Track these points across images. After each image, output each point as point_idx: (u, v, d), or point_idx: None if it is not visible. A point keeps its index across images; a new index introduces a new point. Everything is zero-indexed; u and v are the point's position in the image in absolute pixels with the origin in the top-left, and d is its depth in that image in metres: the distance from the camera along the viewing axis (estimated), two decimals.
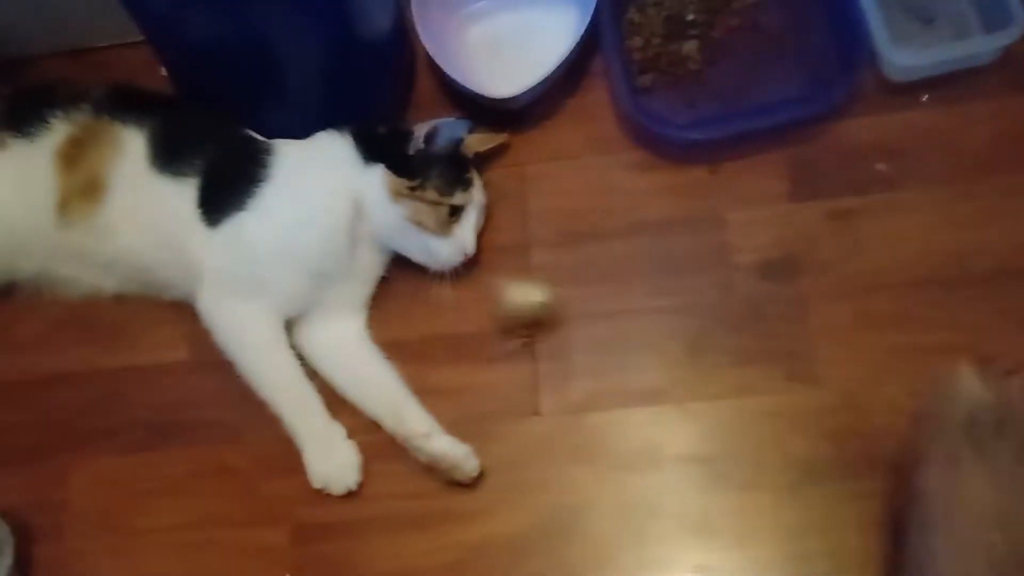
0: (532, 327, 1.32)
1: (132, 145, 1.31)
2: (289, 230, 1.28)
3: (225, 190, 1.28)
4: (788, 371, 1.26)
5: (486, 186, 1.38)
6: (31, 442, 1.36)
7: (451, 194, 1.30)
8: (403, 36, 1.46)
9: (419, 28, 1.43)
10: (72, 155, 1.31)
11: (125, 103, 1.35)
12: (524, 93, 1.37)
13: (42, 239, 1.33)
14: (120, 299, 1.39)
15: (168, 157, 1.30)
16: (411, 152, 1.30)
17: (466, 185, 1.32)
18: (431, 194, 1.29)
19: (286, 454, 1.28)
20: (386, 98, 1.45)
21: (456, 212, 1.31)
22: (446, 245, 1.31)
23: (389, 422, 1.28)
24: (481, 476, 1.25)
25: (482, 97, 1.39)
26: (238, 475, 1.31)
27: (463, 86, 1.40)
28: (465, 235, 1.32)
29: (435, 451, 1.24)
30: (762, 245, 1.33)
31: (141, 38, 1.47)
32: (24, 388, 1.39)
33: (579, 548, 1.21)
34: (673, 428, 1.26)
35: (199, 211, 1.28)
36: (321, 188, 1.30)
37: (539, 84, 1.38)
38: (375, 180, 1.30)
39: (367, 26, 1.35)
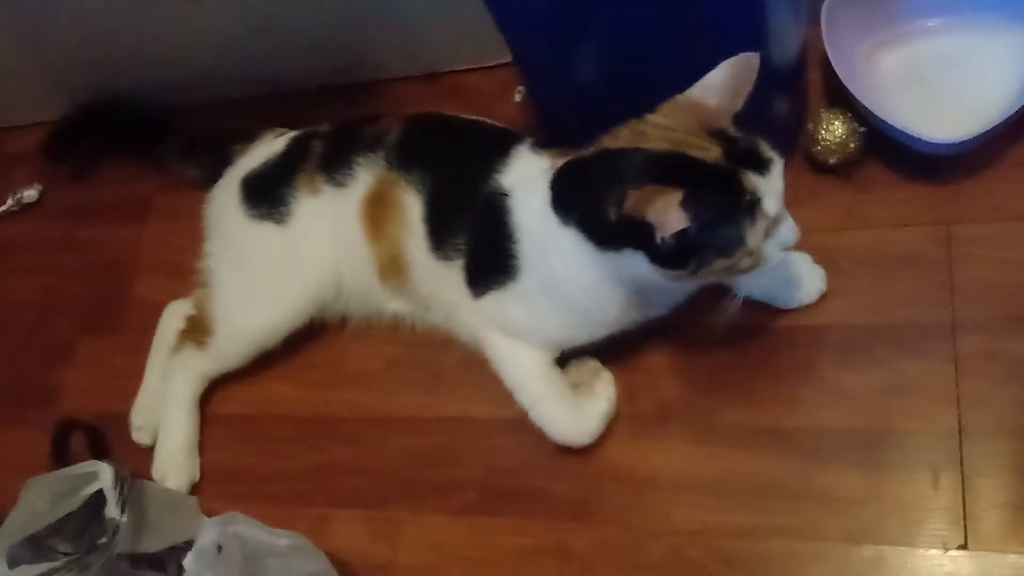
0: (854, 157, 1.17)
1: (414, 218, 1.20)
2: (549, 313, 1.13)
3: (484, 269, 1.16)
4: None
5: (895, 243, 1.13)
6: (367, 485, 1.26)
7: (739, 246, 0.96)
8: (803, 63, 1.23)
9: (830, 53, 1.19)
10: (375, 219, 1.23)
11: (411, 152, 1.23)
12: (968, 139, 1.10)
13: (369, 291, 1.28)
14: (455, 344, 1.26)
15: (440, 241, 1.19)
16: (663, 250, 0.97)
17: (750, 209, 0.96)
18: (719, 264, 0.97)
19: (632, 543, 1.11)
20: (776, 128, 1.22)
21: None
22: (764, 269, 1.02)
23: None
24: None
25: (906, 136, 1.13)
26: (576, 561, 1.14)
27: (885, 122, 1.14)
28: (783, 235, 1.01)
29: None
30: None
31: (497, 62, 1.42)
32: (358, 426, 1.30)
33: None
34: None
35: (467, 289, 1.18)
36: (575, 281, 1.09)
37: (989, 129, 1.09)
38: (633, 262, 1.01)
39: (774, 51, 1.12)
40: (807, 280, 1.17)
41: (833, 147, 1.19)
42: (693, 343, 1.20)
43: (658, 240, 0.95)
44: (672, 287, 1.07)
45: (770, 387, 1.15)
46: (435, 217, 1.19)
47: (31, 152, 1.62)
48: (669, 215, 0.92)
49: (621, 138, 1.00)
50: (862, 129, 1.19)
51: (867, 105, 1.15)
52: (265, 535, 1.11)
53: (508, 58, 1.40)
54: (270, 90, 1.55)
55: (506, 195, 1.13)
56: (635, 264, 1.00)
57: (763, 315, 1.18)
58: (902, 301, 1.14)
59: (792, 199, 1.20)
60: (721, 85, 0.97)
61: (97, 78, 1.55)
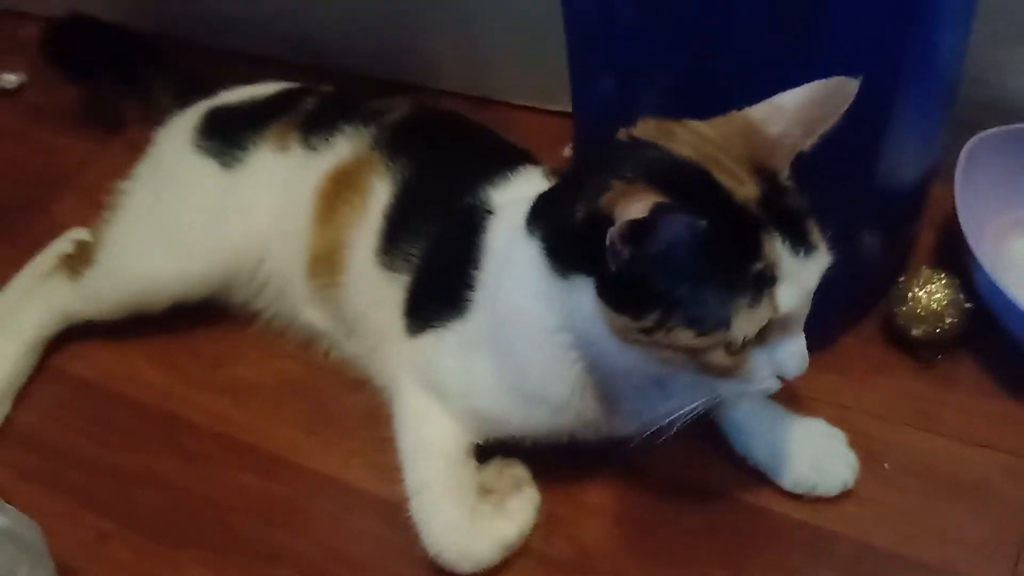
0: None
1: (375, 209, 0.94)
2: (487, 374, 0.84)
3: (431, 297, 0.89)
4: None
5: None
6: (173, 516, 0.94)
7: (719, 327, 0.67)
8: (918, 209, 0.95)
9: (959, 206, 0.91)
10: (331, 198, 0.98)
11: (406, 137, 0.98)
12: None
13: (290, 283, 1.01)
14: (365, 390, 0.97)
15: (391, 244, 0.92)
16: (612, 266, 0.68)
17: (757, 284, 0.67)
18: (683, 339, 0.68)
19: None
20: (862, 274, 0.93)
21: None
22: (743, 386, 0.73)
23: None
24: None
25: None
26: None
27: (1009, 302, 0.85)
28: (782, 354, 0.71)
29: None
30: None
31: (556, 108, 1.25)
32: (207, 442, 0.99)
33: None
34: None
35: (403, 320, 0.90)
36: (523, 321, 0.79)
37: None
38: (580, 297, 0.73)
39: (887, 173, 0.85)
40: (832, 465, 0.85)
41: (923, 315, 0.89)
42: (647, 489, 0.88)
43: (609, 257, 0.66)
44: (627, 365, 0.75)
45: None
46: (399, 214, 0.93)
47: (32, 43, 1.44)
48: (631, 208, 0.62)
49: (643, 129, 0.72)
50: (968, 305, 0.89)
51: (990, 275, 0.86)
52: None
53: (569, 107, 1.19)
54: (304, 59, 1.35)
55: (490, 212, 0.86)
56: (582, 301, 0.71)
57: (753, 487, 0.86)
58: (950, 539, 0.81)
59: (849, 367, 0.92)
60: (796, 109, 0.70)
61: None
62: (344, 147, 0.99)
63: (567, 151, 1.16)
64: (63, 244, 1.13)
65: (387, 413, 0.93)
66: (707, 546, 0.84)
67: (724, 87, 0.79)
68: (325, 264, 0.97)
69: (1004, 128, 0.97)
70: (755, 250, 0.66)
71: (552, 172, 0.92)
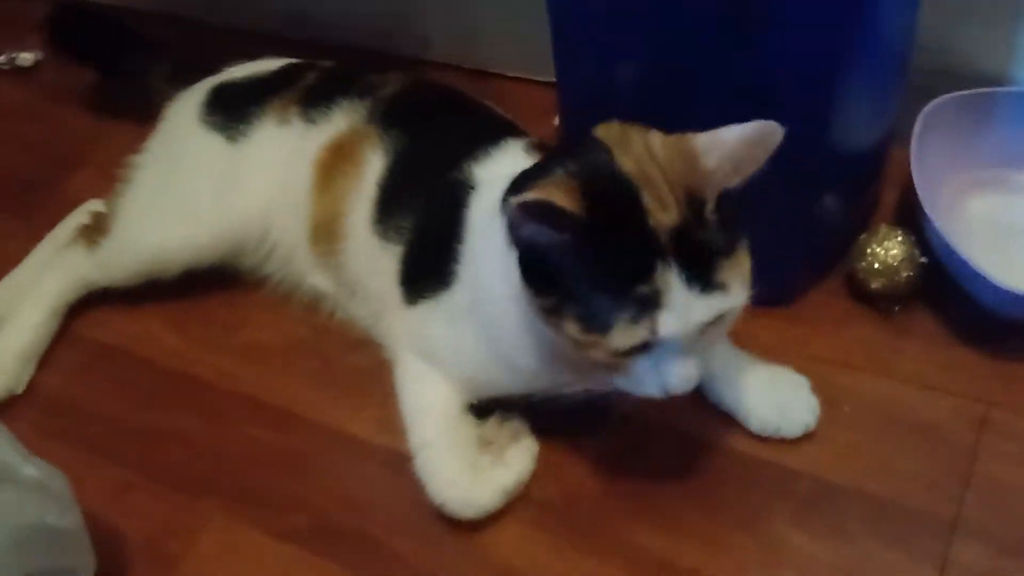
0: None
1: (370, 179, 1.00)
2: (470, 340, 0.91)
3: (421, 269, 0.95)
4: None
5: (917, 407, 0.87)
6: (192, 467, 1.02)
7: (601, 331, 0.74)
8: (878, 172, 1.01)
9: (915, 170, 0.97)
10: (329, 169, 1.04)
11: (399, 110, 1.04)
12: None
13: (295, 251, 1.08)
14: (369, 348, 1.03)
15: (385, 215, 0.99)
16: (509, 241, 0.77)
17: (639, 304, 0.72)
18: (572, 329, 0.75)
19: None
20: (826, 235, 1.00)
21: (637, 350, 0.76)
22: (629, 385, 0.81)
23: None
24: None
25: (978, 282, 0.91)
26: None
27: (959, 258, 0.92)
28: (667, 372, 0.77)
29: None
30: None
31: (549, 79, 1.22)
32: (221, 399, 1.06)
33: None
34: None
35: (399, 290, 0.97)
36: (494, 289, 0.86)
37: None
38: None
39: (844, 136, 0.91)
40: (794, 409, 0.92)
41: (881, 269, 0.96)
42: (629, 435, 0.96)
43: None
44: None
45: (701, 519, 0.89)
46: (391, 185, 0.99)
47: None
48: (525, 194, 0.70)
49: (605, 131, 0.79)
50: (922, 259, 0.96)
51: (943, 235, 0.93)
52: (11, 456, 0.85)
53: None
54: (300, 34, 1.40)
55: (472, 188, 0.93)
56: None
57: (723, 430, 0.94)
58: (901, 475, 0.88)
59: (814, 319, 0.99)
60: (733, 145, 0.73)
61: None
62: (341, 120, 1.05)
63: (556, 121, 1.22)
64: (80, 216, 1.20)
65: (389, 370, 1.00)
66: (681, 486, 0.91)
67: (685, 60, 0.85)
68: (325, 232, 1.03)
69: (957, 94, 1.02)
70: (645, 274, 0.72)
71: (534, 146, 0.98)
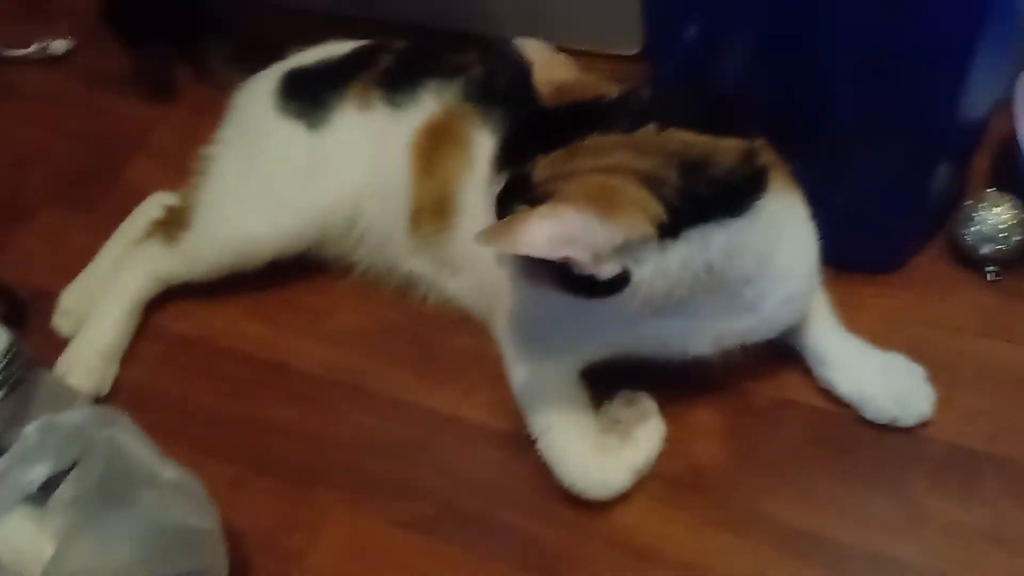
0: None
1: (480, 158, 0.97)
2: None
3: None
4: None
5: None
6: (304, 458, 1.01)
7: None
8: (981, 136, 1.02)
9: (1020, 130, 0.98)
10: (429, 152, 1.02)
11: (499, 87, 1.02)
12: None
13: (391, 236, 1.06)
14: (466, 329, 1.03)
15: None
16: None
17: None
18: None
19: None
20: (930, 199, 1.00)
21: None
22: None
23: None
24: None
25: None
26: None
27: None
28: None
29: None
30: None
31: (623, 53, 1.28)
32: (319, 387, 1.05)
33: None
34: None
35: None
36: None
37: None
38: None
39: (967, 107, 0.91)
40: (912, 399, 0.92)
41: (991, 234, 0.97)
42: (747, 409, 0.96)
43: None
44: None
45: (837, 489, 0.90)
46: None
47: (77, 8, 1.44)
48: None
49: None
50: None
51: None
52: (149, 457, 0.85)
53: (629, 51, 1.25)
54: (362, 13, 1.35)
55: None
56: None
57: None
58: None
59: (922, 286, 1.00)
60: None
61: None
62: (431, 102, 1.03)
63: None
64: (150, 209, 1.17)
65: (494, 351, 0.99)
66: (810, 457, 0.92)
67: (809, 20, 0.85)
68: (432, 213, 1.01)
69: None
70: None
71: None
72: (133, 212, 1.18)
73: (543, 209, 0.73)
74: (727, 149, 0.76)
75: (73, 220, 1.23)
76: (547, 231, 0.71)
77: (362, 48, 1.13)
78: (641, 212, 0.73)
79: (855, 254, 0.98)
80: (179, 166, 1.17)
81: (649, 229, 0.73)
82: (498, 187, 0.80)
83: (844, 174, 0.93)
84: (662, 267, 0.75)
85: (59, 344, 1.08)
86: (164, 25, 1.34)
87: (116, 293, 1.10)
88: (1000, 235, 0.97)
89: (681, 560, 0.88)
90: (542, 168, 0.77)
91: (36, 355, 0.98)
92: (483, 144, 0.98)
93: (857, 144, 0.92)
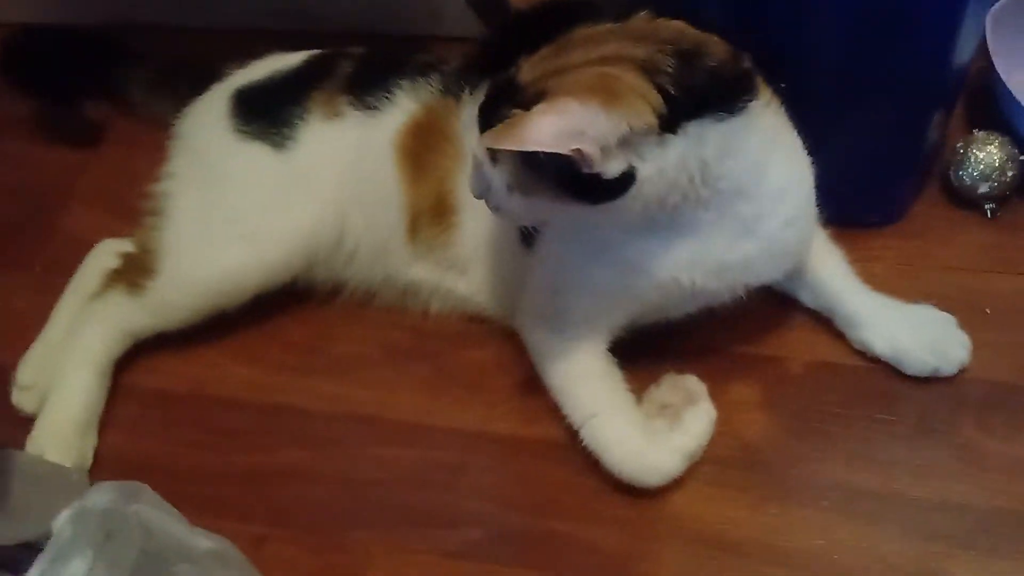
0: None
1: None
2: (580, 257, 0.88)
3: None
4: None
5: None
6: (326, 503, 0.93)
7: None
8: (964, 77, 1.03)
9: (997, 64, 1.00)
10: (417, 154, 0.97)
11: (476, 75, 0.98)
12: None
13: (386, 248, 1.00)
14: (475, 339, 0.98)
15: None
16: None
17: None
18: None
19: None
20: (917, 143, 1.00)
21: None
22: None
23: None
24: None
25: None
26: None
27: None
28: None
29: None
30: None
31: None
32: (326, 425, 0.98)
33: None
34: None
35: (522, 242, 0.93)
36: None
37: None
38: None
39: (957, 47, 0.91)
40: (949, 346, 0.91)
41: (988, 172, 0.98)
42: (782, 377, 0.94)
43: None
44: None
45: (891, 444, 0.89)
46: None
47: None
48: None
49: None
50: (1022, 157, 0.99)
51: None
52: (180, 530, 0.77)
53: None
54: (289, 25, 1.27)
55: None
56: None
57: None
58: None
59: (926, 231, 1.00)
60: None
61: None
62: (408, 102, 0.98)
63: None
64: (101, 259, 1.07)
65: (509, 359, 0.95)
66: (856, 416, 0.91)
67: None
68: (431, 215, 0.96)
69: None
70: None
71: None
72: (81, 265, 1.08)
73: (544, 106, 0.69)
74: (717, 42, 0.76)
75: (10, 281, 1.12)
76: (553, 126, 0.68)
77: (314, 57, 1.06)
78: (642, 101, 0.71)
79: (858, 209, 0.98)
80: (120, 208, 1.08)
81: (651, 118, 0.71)
82: (479, 97, 0.76)
83: (842, 128, 0.92)
84: (661, 165, 0.73)
85: (24, 421, 0.98)
86: (64, 66, 1.22)
87: (79, 355, 1.00)
88: (995, 172, 0.98)
89: (752, 541, 0.85)
90: (528, 69, 0.74)
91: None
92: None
93: (853, 95, 0.91)
